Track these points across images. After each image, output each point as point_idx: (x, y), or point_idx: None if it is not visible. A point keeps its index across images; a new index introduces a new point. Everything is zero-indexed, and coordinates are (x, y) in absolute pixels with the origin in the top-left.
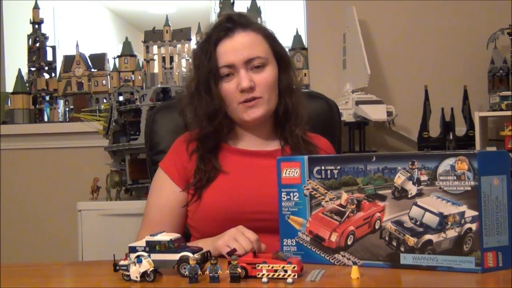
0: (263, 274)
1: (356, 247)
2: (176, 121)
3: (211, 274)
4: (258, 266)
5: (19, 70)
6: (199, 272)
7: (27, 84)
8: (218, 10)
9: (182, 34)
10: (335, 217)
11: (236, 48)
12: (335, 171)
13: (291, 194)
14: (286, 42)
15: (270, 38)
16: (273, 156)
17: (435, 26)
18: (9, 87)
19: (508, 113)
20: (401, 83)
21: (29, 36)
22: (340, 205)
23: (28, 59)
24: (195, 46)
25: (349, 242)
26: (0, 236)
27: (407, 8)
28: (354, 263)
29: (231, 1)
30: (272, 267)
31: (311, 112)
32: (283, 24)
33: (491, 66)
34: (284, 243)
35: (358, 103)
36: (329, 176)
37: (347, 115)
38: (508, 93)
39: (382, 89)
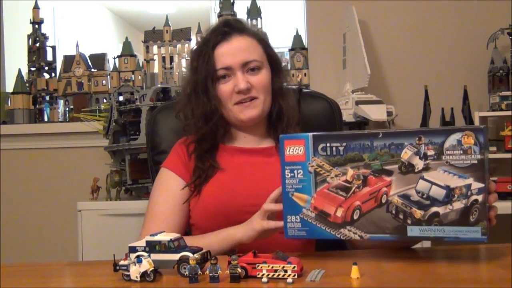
0: (263, 274)
1: (362, 221)
2: (178, 121)
3: (211, 274)
4: (258, 266)
5: (19, 70)
6: (199, 272)
7: (27, 84)
8: (218, 10)
9: (182, 34)
10: (340, 192)
11: (233, 51)
12: (341, 148)
13: (295, 171)
14: (286, 42)
15: (264, 43)
16: (267, 153)
17: (435, 26)
18: (9, 87)
19: (508, 113)
20: (401, 83)
21: (29, 36)
22: (346, 181)
23: (28, 59)
24: (192, 49)
25: (355, 217)
26: (0, 236)
27: (407, 8)
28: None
29: (231, 1)
30: (272, 267)
31: (313, 112)
32: (283, 24)
33: (491, 66)
34: (288, 220)
35: (358, 103)
36: (334, 153)
37: (347, 115)
38: (508, 93)
39: (382, 89)
